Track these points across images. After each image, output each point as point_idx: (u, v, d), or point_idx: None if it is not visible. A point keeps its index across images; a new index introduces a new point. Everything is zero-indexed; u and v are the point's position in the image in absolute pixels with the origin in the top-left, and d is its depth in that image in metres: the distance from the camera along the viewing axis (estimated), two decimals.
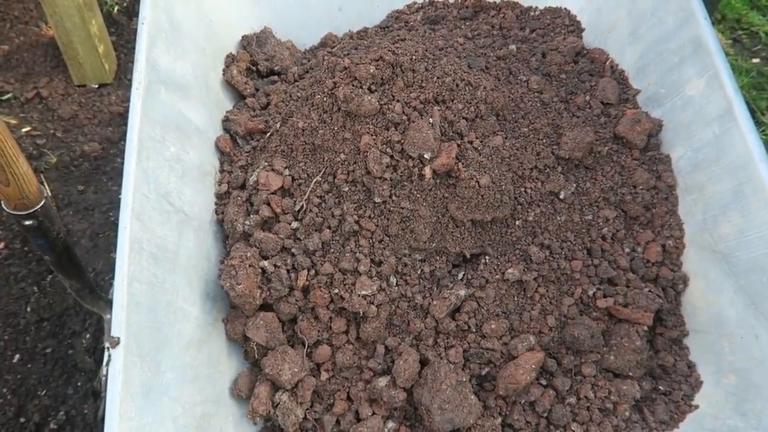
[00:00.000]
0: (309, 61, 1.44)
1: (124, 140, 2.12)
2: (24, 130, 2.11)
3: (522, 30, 1.45)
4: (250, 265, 1.07)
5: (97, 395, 1.61)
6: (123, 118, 2.16)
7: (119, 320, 0.91)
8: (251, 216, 1.14)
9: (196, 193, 1.18)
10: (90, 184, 2.01)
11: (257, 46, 1.42)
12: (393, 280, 1.11)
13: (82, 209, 1.94)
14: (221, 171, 1.27)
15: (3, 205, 1.06)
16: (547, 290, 1.14)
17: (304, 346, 1.11)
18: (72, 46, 2.09)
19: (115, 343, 0.90)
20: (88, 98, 2.20)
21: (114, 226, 1.88)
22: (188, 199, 1.14)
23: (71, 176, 2.02)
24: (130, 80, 2.28)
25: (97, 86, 2.23)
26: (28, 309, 1.72)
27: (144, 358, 0.93)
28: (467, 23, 1.46)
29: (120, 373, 0.88)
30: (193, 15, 1.32)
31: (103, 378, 1.45)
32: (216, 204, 1.23)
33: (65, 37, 2.08)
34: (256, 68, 1.42)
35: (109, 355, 0.90)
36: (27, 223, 1.07)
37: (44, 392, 1.60)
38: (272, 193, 1.14)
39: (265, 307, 1.13)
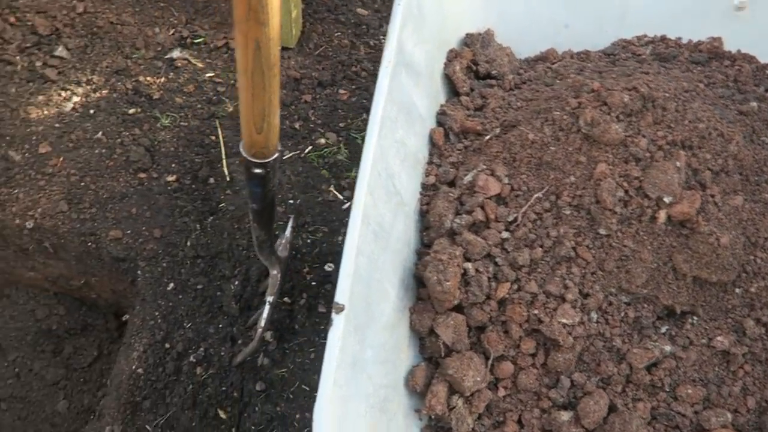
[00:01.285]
0: (526, 72, 1.42)
1: (297, 103, 2.19)
2: (208, 75, 2.21)
3: (757, 86, 1.36)
4: (457, 264, 1.07)
5: (234, 341, 1.67)
6: (297, 83, 2.23)
7: (344, 288, 0.93)
8: (463, 216, 1.13)
9: (410, 179, 1.18)
10: None
11: (481, 47, 1.41)
12: (594, 315, 1.08)
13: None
14: (429, 162, 1.27)
15: (241, 149, 1.10)
16: (753, 369, 1.06)
17: (486, 357, 1.09)
18: None
19: (340, 309, 0.91)
20: None
21: None
22: (404, 183, 1.15)
23: None
24: (311, 48, 2.35)
25: (280, 48, 2.30)
26: (188, 243, 1.81)
27: (357, 330, 0.94)
28: (699, 68, 1.39)
29: (339, 339, 0.89)
30: (435, 4, 1.33)
31: (259, 329, 1.51)
32: (421, 194, 1.23)
33: None
34: (476, 68, 1.41)
35: (331, 320, 0.92)
36: (257, 170, 1.11)
37: (189, 325, 1.67)
38: (488, 198, 1.13)
39: (455, 307, 1.12)
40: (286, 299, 1.73)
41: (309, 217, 1.89)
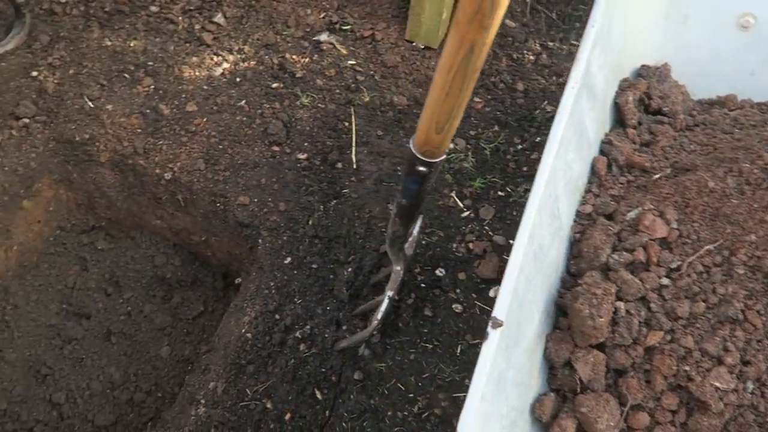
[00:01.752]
0: (699, 114, 1.35)
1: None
2: (350, 62, 2.25)
3: None
4: (610, 302, 1.02)
5: (339, 326, 1.69)
6: (428, 86, 2.23)
7: (504, 304, 0.91)
8: (622, 253, 1.08)
9: (568, 205, 1.15)
10: (389, 132, 2.10)
11: (657, 81, 1.35)
12: (751, 386, 1.01)
13: (375, 153, 2.03)
14: (588, 191, 1.23)
15: (411, 144, 1.11)
16: None
17: (621, 403, 1.04)
18: (423, 4, 2.19)
19: (498, 325, 0.90)
20: (411, 54, 2.29)
21: (398, 180, 1.95)
22: (563, 208, 1.12)
23: (375, 119, 2.12)
24: None
25: (423, 47, 2.31)
26: (309, 222, 1.85)
27: (507, 348, 0.93)
28: None
29: (492, 354, 0.88)
30: (620, 30, 1.28)
31: (375, 322, 1.52)
32: (575, 221, 1.20)
33: None
34: (648, 102, 1.36)
35: (487, 334, 0.90)
36: (421, 168, 1.12)
37: (299, 301, 1.71)
38: (652, 240, 1.08)
39: (596, 344, 1.08)
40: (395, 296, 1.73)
41: (427, 219, 1.89)
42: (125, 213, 2.09)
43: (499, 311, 0.91)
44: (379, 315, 1.48)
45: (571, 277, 1.15)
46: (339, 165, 1.98)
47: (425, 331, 1.69)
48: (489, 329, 0.90)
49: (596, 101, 1.20)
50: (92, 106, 2.01)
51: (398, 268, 1.50)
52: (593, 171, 1.25)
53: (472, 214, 1.92)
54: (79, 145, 1.97)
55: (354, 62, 2.24)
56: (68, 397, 1.83)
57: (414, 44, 2.30)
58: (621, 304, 1.05)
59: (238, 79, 2.14)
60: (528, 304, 1.00)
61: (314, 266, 1.77)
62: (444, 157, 1.11)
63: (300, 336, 1.65)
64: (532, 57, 2.32)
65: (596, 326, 1.01)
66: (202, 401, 1.54)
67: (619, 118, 1.35)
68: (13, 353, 1.87)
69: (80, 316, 2.00)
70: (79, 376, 1.87)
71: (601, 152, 1.28)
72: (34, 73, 2.09)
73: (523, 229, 0.95)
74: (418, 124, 1.05)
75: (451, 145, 2.08)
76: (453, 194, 1.96)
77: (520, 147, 2.09)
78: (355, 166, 1.98)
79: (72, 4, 2.26)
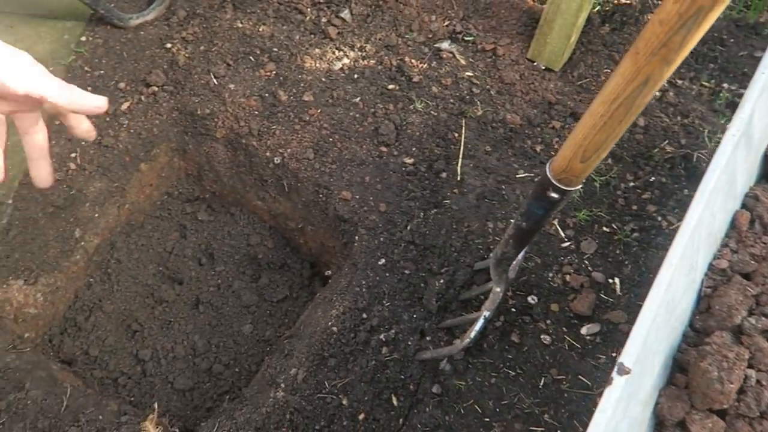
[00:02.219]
0: None
1: (544, 126, 2.14)
2: (467, 73, 2.23)
3: None
4: (742, 368, 0.95)
5: (423, 335, 1.67)
6: (550, 107, 2.17)
7: (635, 351, 0.86)
8: (760, 318, 1.01)
9: (704, 257, 1.08)
10: (497, 149, 2.06)
11: None
12: None
13: (481, 168, 2.00)
14: (725, 245, 1.15)
15: (547, 169, 1.07)
16: None
17: None
18: (551, 25, 2.14)
19: (626, 372, 0.85)
20: (531, 74, 2.24)
21: (501, 199, 1.92)
22: (699, 259, 1.05)
23: (485, 134, 2.09)
24: (574, 76, 2.28)
25: (543, 68, 2.26)
26: (407, 227, 1.84)
27: (628, 397, 0.88)
28: None
29: (614, 402, 0.84)
30: None
31: (467, 339, 1.49)
32: (707, 275, 1.13)
33: (552, 14, 2.12)
34: None
35: (612, 379, 0.86)
36: (553, 195, 1.08)
37: (388, 304, 1.71)
38: None
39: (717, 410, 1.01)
40: (475, 313, 1.70)
41: None
42: (229, 189, 2.16)
43: (627, 358, 0.86)
44: (472, 333, 1.45)
45: (695, 333, 1.08)
46: (443, 175, 1.97)
47: (510, 357, 1.64)
48: (615, 375, 0.86)
49: (750, 152, 1.12)
50: (216, 83, 2.09)
51: (498, 289, 1.46)
52: (733, 225, 1.17)
53: (573, 246, 1.86)
54: (199, 118, 2.06)
55: (471, 74, 2.23)
56: (153, 355, 1.91)
57: (535, 64, 2.26)
58: (752, 372, 0.98)
59: (355, 76, 2.17)
60: (652, 354, 0.94)
61: (407, 272, 1.76)
62: (579, 187, 1.07)
63: (384, 339, 1.65)
64: (657, 93, 2.22)
65: (724, 391, 0.94)
66: (282, 385, 1.56)
67: (766, 173, 1.26)
68: (111, 305, 1.97)
69: (173, 280, 2.08)
70: (166, 338, 1.95)
71: (744, 206, 1.20)
72: (168, 45, 2.19)
73: (663, 276, 0.90)
74: (562, 149, 1.02)
75: None
76: (555, 222, 1.91)
77: (632, 184, 2.01)
78: (459, 178, 1.96)
79: None
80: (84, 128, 0.86)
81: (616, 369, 0.87)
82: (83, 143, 1.95)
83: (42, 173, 0.83)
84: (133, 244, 2.08)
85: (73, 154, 1.93)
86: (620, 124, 0.90)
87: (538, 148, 2.08)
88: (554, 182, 1.06)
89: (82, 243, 1.89)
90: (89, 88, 2.06)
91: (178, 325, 1.98)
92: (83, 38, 2.20)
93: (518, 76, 2.22)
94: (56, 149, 1.92)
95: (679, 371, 1.06)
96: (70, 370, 1.76)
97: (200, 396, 1.84)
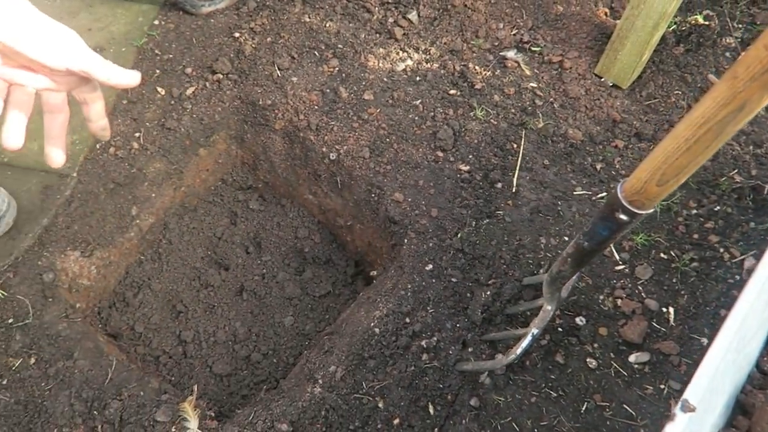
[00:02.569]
0: None
1: (606, 144, 2.08)
2: (531, 84, 2.19)
3: None
4: None
5: (465, 346, 1.64)
6: (614, 125, 2.11)
7: (700, 389, 0.82)
8: None
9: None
10: (555, 164, 2.01)
11: None
12: None
13: (538, 181, 1.96)
14: None
15: (619, 190, 1.04)
16: None
17: None
18: (624, 41, 2.08)
19: (690, 410, 0.81)
20: (597, 90, 2.19)
21: (556, 215, 1.87)
22: None
23: (544, 147, 2.05)
24: (642, 96, 2.20)
25: (611, 84, 2.20)
26: (458, 235, 1.82)
27: None
28: None
29: None
30: None
31: (512, 356, 1.46)
32: None
33: (626, 30, 2.06)
34: None
35: (671, 415, 0.82)
36: (622, 217, 1.04)
37: (432, 311, 1.69)
38: None
39: None
40: (523, 329, 1.66)
41: None
42: (282, 181, 2.18)
43: (692, 395, 0.82)
44: (518, 350, 1.42)
45: (761, 375, 1.02)
46: (498, 185, 1.94)
47: (552, 377, 1.60)
48: (678, 411, 0.82)
49: None
50: (279, 75, 2.12)
51: (549, 307, 1.42)
52: None
53: (627, 270, 1.80)
54: (260, 108, 2.08)
55: (535, 85, 2.18)
56: (194, 337, 1.94)
57: (602, 80, 2.20)
58: None
59: (417, 78, 2.16)
60: (716, 393, 0.90)
61: (453, 280, 1.74)
62: (651, 211, 1.03)
63: (425, 345, 1.63)
64: None
65: None
66: (320, 381, 1.56)
67: None
68: (159, 284, 2.01)
69: (220, 265, 2.11)
70: (208, 322, 1.98)
71: None
72: (236, 34, 2.23)
73: (738, 312, 0.86)
74: (637, 171, 0.98)
75: None
76: (611, 244, 1.85)
77: (695, 212, 1.93)
78: (514, 190, 1.93)
79: None
80: (100, 125, 0.88)
81: (680, 405, 0.82)
82: (148, 124, 2.00)
83: (56, 153, 0.85)
84: (185, 227, 2.12)
85: (137, 134, 1.98)
86: (706, 149, 0.86)
87: (598, 166, 2.02)
88: (625, 204, 1.02)
89: (137, 221, 1.94)
90: (158, 71, 2.11)
91: (221, 310, 2.00)
92: (156, 22, 2.25)
93: (584, 91, 2.17)
94: (122, 128, 1.97)
95: (741, 413, 1.01)
96: (116, 344, 1.81)
97: (237, 383, 1.86)
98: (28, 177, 1.80)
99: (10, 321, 1.58)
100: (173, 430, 1.46)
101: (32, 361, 1.53)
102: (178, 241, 2.09)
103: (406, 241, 1.82)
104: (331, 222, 2.14)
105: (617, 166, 2.02)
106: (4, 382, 1.50)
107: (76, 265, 1.77)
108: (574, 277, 1.53)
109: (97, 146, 1.92)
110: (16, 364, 1.52)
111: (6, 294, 1.61)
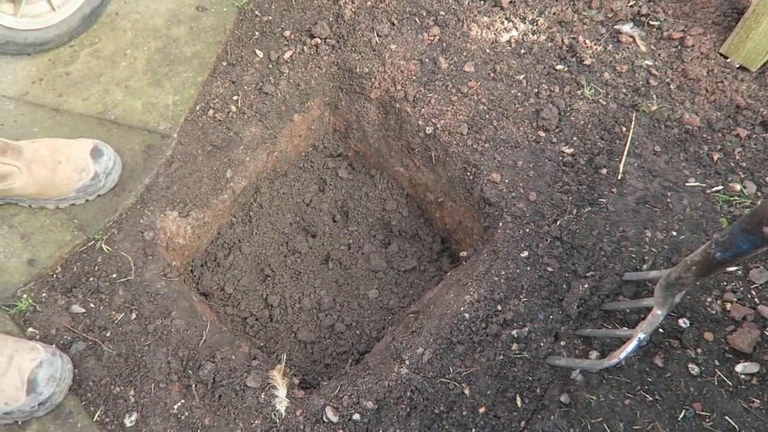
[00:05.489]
0: None
1: (726, 132, 1.90)
2: (646, 62, 2.02)
3: None
4: None
5: (557, 339, 1.58)
6: (737, 111, 1.92)
7: None
8: None
9: None
10: (667, 151, 1.86)
11: None
12: None
13: (647, 169, 1.83)
14: None
15: None
16: None
17: None
18: (760, 19, 1.87)
19: None
20: (721, 71, 1.99)
21: (665, 207, 1.74)
22: None
23: (656, 132, 1.90)
24: None
25: (737, 66, 2.00)
26: (556, 222, 1.73)
27: None
28: None
29: None
30: None
31: (614, 360, 1.38)
32: None
33: (764, 6, 1.85)
34: None
35: None
36: None
37: (524, 299, 1.62)
38: None
39: None
40: (626, 329, 1.57)
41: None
42: (374, 151, 2.14)
43: None
44: (622, 354, 1.34)
45: None
46: (603, 171, 1.82)
47: (650, 380, 1.52)
48: None
49: None
50: (378, 41, 2.05)
51: (660, 312, 1.33)
52: None
53: (740, 272, 1.66)
54: (357, 76, 2.03)
55: (651, 63, 2.01)
56: (281, 302, 1.97)
57: (728, 60, 2.00)
58: None
59: (522, 51, 2.04)
60: None
61: (549, 269, 1.66)
62: None
63: (516, 335, 1.58)
64: None
65: None
66: (407, 362, 1.54)
67: None
68: (249, 247, 2.04)
69: (308, 232, 2.12)
70: (294, 288, 2.00)
71: None
72: None
73: None
74: None
75: (738, 186, 1.80)
76: None
77: None
78: (620, 177, 1.80)
79: None
80: None
81: None
82: (246, 87, 2.00)
83: None
84: (275, 191, 2.14)
85: (235, 97, 1.98)
86: None
87: (715, 156, 1.85)
88: None
89: (231, 184, 1.96)
90: (257, 33, 2.10)
91: (307, 278, 2.02)
92: None
93: (705, 72, 1.98)
94: (221, 90, 1.98)
95: None
96: (207, 303, 1.86)
97: (320, 351, 1.88)
98: (132, 135, 1.85)
99: (114, 276, 1.65)
100: (263, 396, 1.50)
101: (133, 316, 1.60)
102: (268, 205, 2.11)
103: (501, 224, 1.75)
104: (421, 196, 2.09)
105: (737, 157, 1.85)
106: (108, 334, 1.57)
107: (174, 224, 1.82)
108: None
109: (198, 107, 1.94)
110: (119, 318, 1.59)
111: (111, 250, 1.68)
